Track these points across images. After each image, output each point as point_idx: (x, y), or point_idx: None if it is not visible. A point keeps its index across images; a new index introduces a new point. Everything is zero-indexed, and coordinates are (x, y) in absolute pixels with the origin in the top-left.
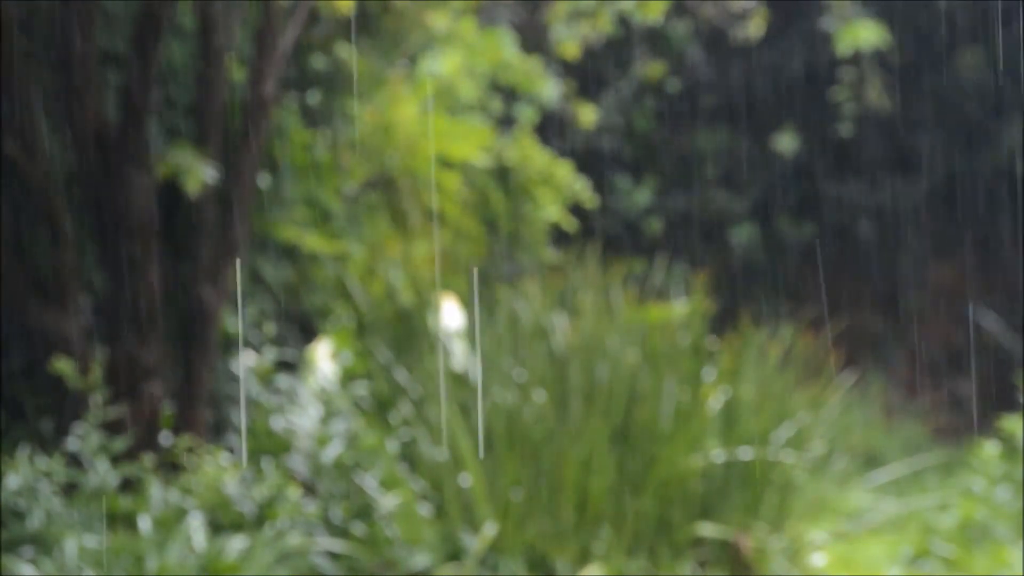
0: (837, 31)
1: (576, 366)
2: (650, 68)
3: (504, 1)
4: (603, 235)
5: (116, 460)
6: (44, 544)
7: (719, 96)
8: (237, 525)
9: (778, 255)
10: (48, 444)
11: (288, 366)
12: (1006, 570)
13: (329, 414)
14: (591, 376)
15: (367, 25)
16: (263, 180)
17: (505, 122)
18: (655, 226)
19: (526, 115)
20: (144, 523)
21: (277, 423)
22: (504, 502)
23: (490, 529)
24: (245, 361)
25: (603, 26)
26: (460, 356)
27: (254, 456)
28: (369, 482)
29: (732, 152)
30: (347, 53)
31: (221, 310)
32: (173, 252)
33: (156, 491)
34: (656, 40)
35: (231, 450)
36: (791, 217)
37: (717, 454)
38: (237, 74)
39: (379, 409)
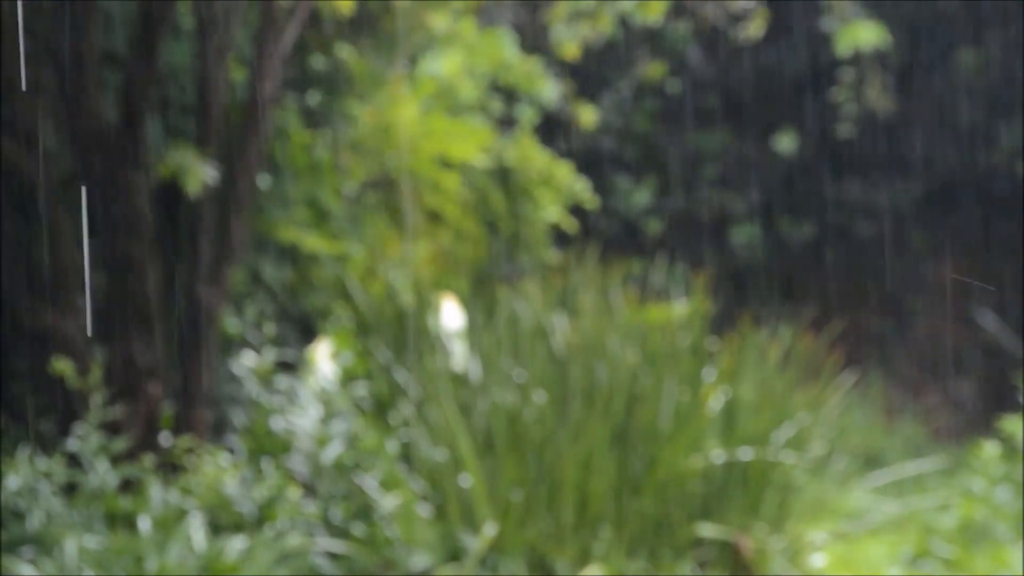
0: (837, 31)
1: (576, 366)
2: (650, 68)
3: (504, 1)
4: (603, 235)
5: (116, 460)
6: (44, 544)
7: (719, 96)
8: (237, 525)
9: (778, 255)
10: (48, 444)
11: (288, 366)
12: (1006, 570)
13: (329, 414)
14: (591, 376)
15: (367, 25)
16: (263, 180)
17: (505, 122)
18: (655, 226)
19: (526, 115)
20: (144, 523)
21: (277, 423)
22: (504, 502)
23: (490, 529)
24: (245, 361)
25: (603, 26)
26: (460, 356)
27: (254, 456)
28: (369, 482)
29: (732, 152)
30: (347, 53)
31: (221, 310)
32: (173, 252)
33: (156, 491)
34: (656, 40)
35: (231, 450)
36: (791, 217)
37: (717, 454)
38: (237, 74)
39: (379, 409)
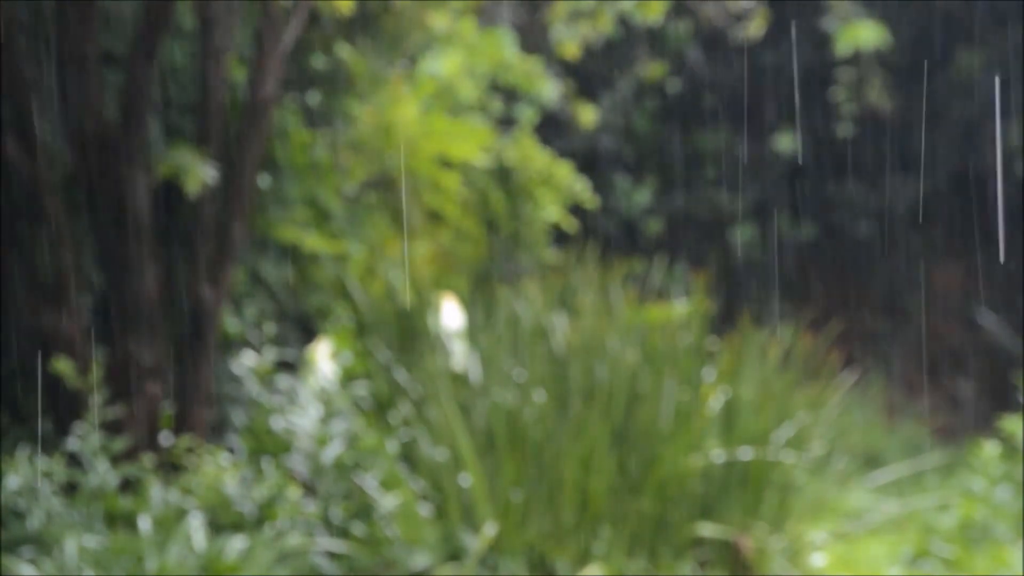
0: (837, 31)
1: (576, 366)
2: (650, 68)
3: (504, 1)
4: (603, 235)
5: (116, 460)
6: (44, 544)
7: (719, 96)
8: (237, 525)
9: (778, 255)
10: (48, 444)
11: (288, 366)
12: (1006, 570)
13: (329, 414)
14: (591, 376)
15: (367, 25)
16: (263, 180)
17: (505, 122)
18: (655, 226)
19: (526, 115)
20: (144, 523)
21: (277, 423)
22: (504, 502)
23: (490, 529)
24: (245, 361)
25: (603, 26)
26: (460, 356)
27: (254, 456)
28: (369, 482)
29: (732, 152)
30: (347, 53)
31: (221, 310)
32: (173, 252)
33: (156, 491)
34: (656, 40)
35: (231, 450)
36: (791, 217)
37: (717, 454)
38: (237, 74)
39: (379, 409)
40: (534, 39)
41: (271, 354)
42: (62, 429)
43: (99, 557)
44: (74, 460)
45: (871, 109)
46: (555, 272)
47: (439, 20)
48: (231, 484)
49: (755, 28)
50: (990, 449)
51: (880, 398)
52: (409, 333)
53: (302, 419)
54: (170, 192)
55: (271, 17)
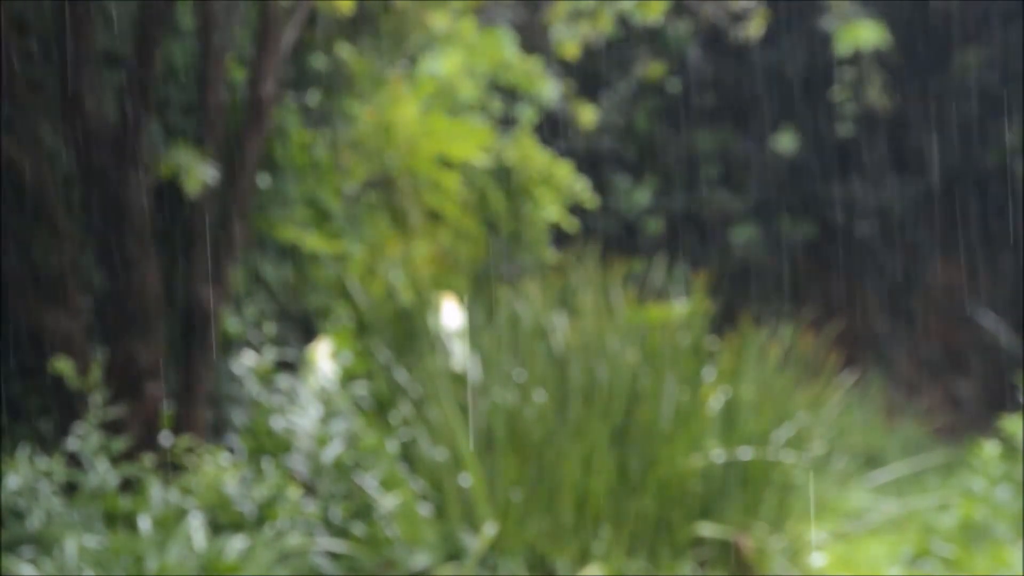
0: (837, 31)
1: (576, 366)
2: (650, 68)
3: (504, 1)
4: (603, 235)
5: (116, 460)
6: (44, 544)
7: (719, 96)
8: (237, 525)
9: (778, 255)
10: (48, 444)
11: (288, 366)
12: (1006, 570)
13: (329, 414)
14: (591, 376)
15: (367, 25)
16: (263, 180)
17: (505, 122)
18: (655, 226)
19: (526, 115)
20: (144, 523)
21: (277, 423)
22: (504, 502)
23: (490, 529)
24: (245, 361)
25: (603, 26)
26: (460, 356)
27: (254, 456)
28: (369, 482)
29: (732, 152)
30: (347, 53)
31: (221, 310)
32: (173, 252)
33: (156, 491)
34: (656, 40)
35: (231, 450)
36: (791, 217)
37: (717, 454)
38: (237, 74)
39: (379, 409)
40: (534, 39)
41: (271, 354)
42: (62, 429)
43: (99, 557)
44: (74, 460)
45: (871, 109)
46: (555, 272)
47: (439, 20)
48: (231, 484)
49: (755, 28)
50: (990, 449)
51: (880, 398)
52: (409, 333)
53: (302, 419)
54: (170, 192)
55: (271, 17)
